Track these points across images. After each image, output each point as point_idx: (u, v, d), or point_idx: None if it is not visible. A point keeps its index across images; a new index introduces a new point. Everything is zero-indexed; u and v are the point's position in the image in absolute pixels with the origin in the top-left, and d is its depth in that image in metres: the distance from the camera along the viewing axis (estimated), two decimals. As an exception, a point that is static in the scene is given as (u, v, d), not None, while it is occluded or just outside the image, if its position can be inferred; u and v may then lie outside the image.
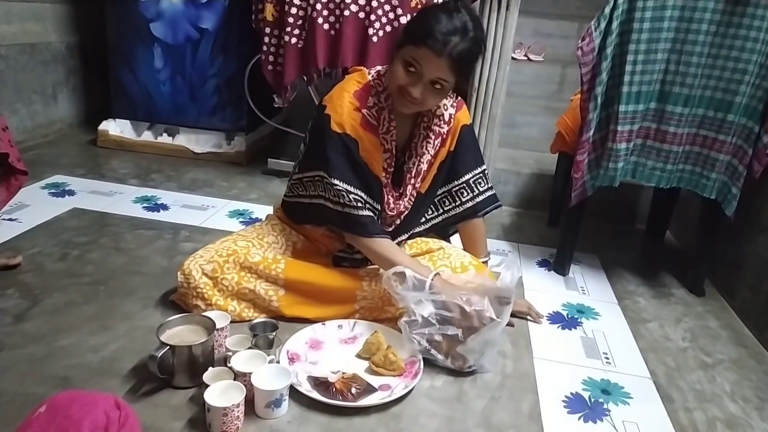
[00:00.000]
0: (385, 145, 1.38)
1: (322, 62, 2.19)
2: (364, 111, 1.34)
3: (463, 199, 1.54)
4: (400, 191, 1.45)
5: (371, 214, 1.37)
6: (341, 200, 1.34)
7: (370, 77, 1.38)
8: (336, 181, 1.33)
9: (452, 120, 1.46)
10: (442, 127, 1.45)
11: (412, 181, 1.45)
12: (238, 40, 2.50)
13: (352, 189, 1.34)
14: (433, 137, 1.43)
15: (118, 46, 2.59)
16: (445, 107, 1.45)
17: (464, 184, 1.53)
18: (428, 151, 1.44)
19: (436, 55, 1.21)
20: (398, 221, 1.48)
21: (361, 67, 1.43)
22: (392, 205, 1.43)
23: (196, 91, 2.59)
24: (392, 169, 1.41)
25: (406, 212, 1.48)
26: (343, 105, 1.33)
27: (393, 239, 1.48)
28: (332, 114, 1.33)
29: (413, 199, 1.48)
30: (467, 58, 1.25)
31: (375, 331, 1.30)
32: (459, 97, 1.48)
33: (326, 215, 1.39)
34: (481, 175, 1.54)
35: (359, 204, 1.34)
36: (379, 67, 1.41)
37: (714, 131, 1.58)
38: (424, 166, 1.45)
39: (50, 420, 0.81)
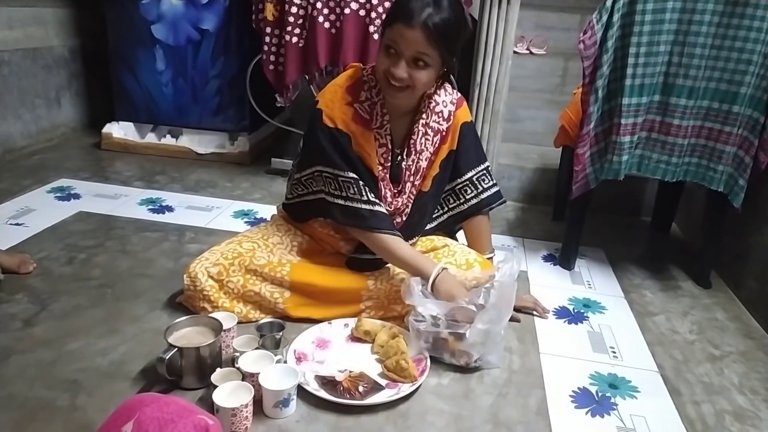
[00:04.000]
0: (380, 139, 1.38)
1: (323, 61, 2.19)
2: (356, 105, 1.35)
3: (468, 197, 1.53)
4: (399, 188, 1.44)
5: (371, 207, 1.36)
6: (344, 192, 1.35)
7: (363, 72, 1.38)
8: (341, 172, 1.34)
9: (452, 117, 1.45)
10: (441, 124, 1.44)
11: (411, 178, 1.44)
12: (238, 41, 2.50)
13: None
14: (431, 134, 1.43)
15: (119, 49, 2.59)
16: (444, 104, 1.43)
17: (468, 182, 1.52)
18: (427, 148, 1.43)
19: (409, 28, 1.19)
20: (399, 219, 1.47)
21: (357, 63, 1.43)
22: (389, 200, 1.42)
23: (198, 92, 2.59)
24: (389, 164, 1.41)
25: (407, 209, 1.47)
26: (335, 100, 1.34)
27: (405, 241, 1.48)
28: (324, 108, 1.34)
29: (413, 197, 1.47)
30: (444, 29, 1.21)
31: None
32: (459, 94, 1.47)
33: (328, 209, 1.39)
34: (485, 171, 1.53)
35: (362, 196, 1.35)
36: (374, 63, 1.40)
37: (719, 123, 1.57)
38: (424, 164, 1.44)
39: None
